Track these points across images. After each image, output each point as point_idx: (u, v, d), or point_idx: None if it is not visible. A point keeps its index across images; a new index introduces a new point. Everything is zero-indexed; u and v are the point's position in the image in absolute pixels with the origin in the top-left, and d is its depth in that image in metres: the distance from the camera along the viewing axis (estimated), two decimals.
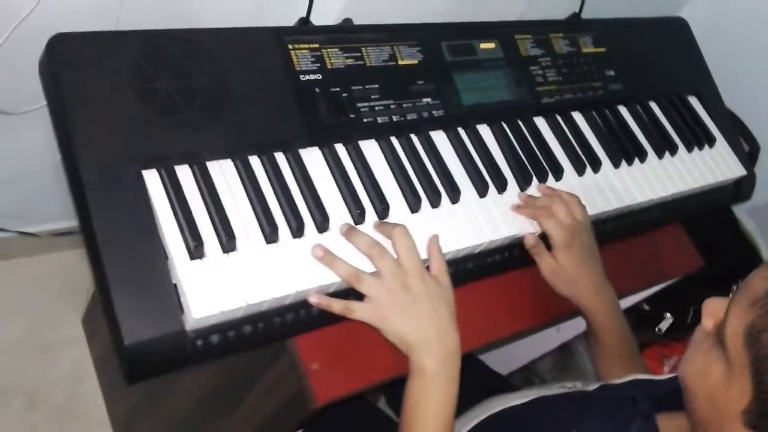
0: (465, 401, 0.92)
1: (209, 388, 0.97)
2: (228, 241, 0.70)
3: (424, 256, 0.81)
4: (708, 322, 0.61)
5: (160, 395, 1.13)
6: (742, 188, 1.23)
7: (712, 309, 0.60)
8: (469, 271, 0.88)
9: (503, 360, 1.45)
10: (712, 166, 1.16)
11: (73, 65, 0.69)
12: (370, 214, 0.81)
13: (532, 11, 1.21)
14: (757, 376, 0.54)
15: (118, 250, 0.66)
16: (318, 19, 0.92)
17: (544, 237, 0.90)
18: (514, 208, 0.92)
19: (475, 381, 1.14)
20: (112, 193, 0.67)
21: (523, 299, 0.93)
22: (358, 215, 0.79)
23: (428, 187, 0.86)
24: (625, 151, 1.07)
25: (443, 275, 0.80)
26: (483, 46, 1.01)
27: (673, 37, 1.28)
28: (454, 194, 0.87)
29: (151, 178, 0.71)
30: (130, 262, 0.67)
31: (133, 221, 0.68)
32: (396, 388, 0.83)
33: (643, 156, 1.08)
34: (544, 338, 1.38)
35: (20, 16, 0.82)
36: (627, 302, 1.18)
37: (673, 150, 1.13)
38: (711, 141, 1.19)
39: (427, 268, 0.80)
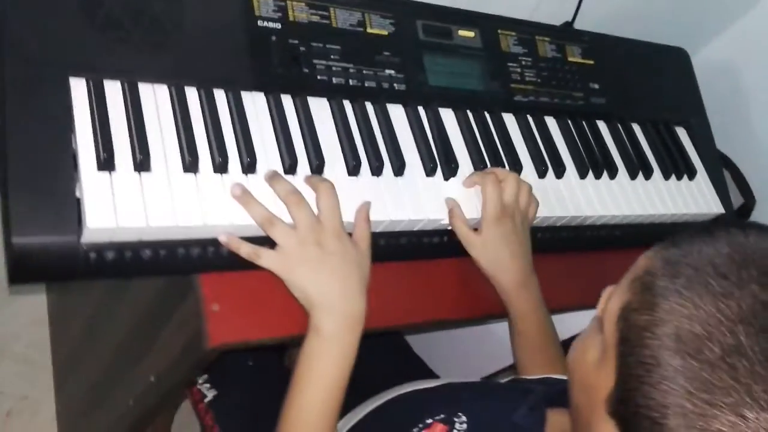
0: (383, 382, 0.89)
1: (128, 330, 0.95)
2: (142, 159, 0.69)
3: (352, 219, 0.79)
4: (599, 308, 0.58)
5: (95, 336, 1.11)
6: None
7: (607, 294, 0.56)
8: (403, 246, 0.86)
9: (456, 373, 1.41)
10: (687, 197, 1.12)
11: None
12: (304, 169, 0.79)
13: (539, 14, 1.19)
14: (620, 357, 0.50)
15: (26, 148, 0.65)
16: None
17: None
18: (473, 175, 0.89)
19: (397, 365, 1.11)
20: (33, 91, 0.67)
21: (453, 289, 0.89)
22: (290, 165, 0.78)
23: (372, 153, 0.84)
24: (594, 163, 1.04)
25: (364, 242, 0.77)
26: (462, 33, 0.99)
27: (671, 66, 1.25)
28: (399, 167, 0.85)
29: (78, 86, 0.70)
30: (36, 163, 0.65)
31: (48, 124, 0.67)
32: None
33: (613, 172, 1.05)
34: (499, 353, 1.33)
35: None
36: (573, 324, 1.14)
37: (648, 173, 1.09)
38: (691, 173, 1.15)
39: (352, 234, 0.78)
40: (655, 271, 0.50)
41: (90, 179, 0.66)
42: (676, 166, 1.14)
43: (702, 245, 0.49)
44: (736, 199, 1.42)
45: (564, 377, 0.78)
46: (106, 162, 0.67)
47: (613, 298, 0.53)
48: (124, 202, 0.67)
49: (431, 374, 1.17)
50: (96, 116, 0.69)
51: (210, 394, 1.03)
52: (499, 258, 0.86)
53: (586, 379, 0.55)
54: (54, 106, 0.68)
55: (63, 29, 0.70)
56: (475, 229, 0.87)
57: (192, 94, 0.76)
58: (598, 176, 1.04)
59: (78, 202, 0.66)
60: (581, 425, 0.56)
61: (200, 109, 0.76)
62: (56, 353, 1.42)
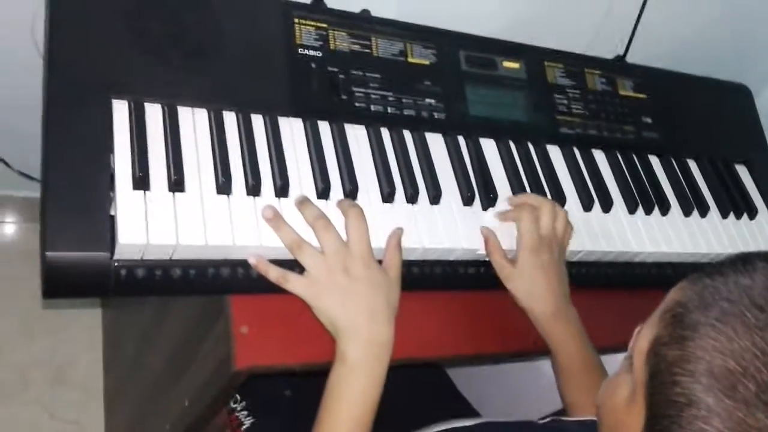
0: (422, 417, 0.87)
1: (167, 353, 0.96)
2: (176, 179, 0.70)
3: (384, 245, 0.78)
4: (630, 344, 0.54)
5: (138, 365, 1.13)
6: None
7: (638, 330, 0.53)
8: (438, 276, 0.84)
9: (509, 413, 1.36)
10: (746, 236, 1.06)
11: None
12: (338, 194, 0.79)
13: (593, 47, 1.17)
14: (650, 395, 0.47)
15: (65, 164, 0.68)
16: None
17: None
18: (508, 198, 0.87)
19: (440, 401, 1.07)
20: (76, 110, 0.69)
21: (490, 321, 0.86)
22: (323, 190, 0.78)
23: (408, 181, 0.83)
24: (645, 198, 1.00)
25: (393, 269, 0.76)
26: (506, 64, 0.99)
27: (731, 102, 1.20)
28: (435, 195, 0.84)
29: (120, 107, 0.72)
30: (74, 180, 0.67)
31: (89, 142, 0.69)
32: None
33: (665, 208, 1.01)
34: (547, 397, 1.28)
35: None
36: None
37: (704, 210, 1.04)
38: (752, 212, 1.09)
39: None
40: (686, 303, 0.48)
41: (124, 197, 0.68)
42: (735, 204, 1.08)
43: (737, 276, 0.47)
44: None
45: None
46: (141, 180, 0.69)
47: (643, 333, 0.50)
48: (157, 220, 0.68)
49: (474, 413, 1.13)
50: (135, 137, 0.71)
51: (247, 422, 1.02)
52: (535, 290, 0.83)
53: (615, 419, 0.52)
54: (95, 125, 0.70)
55: (108, 51, 0.73)
56: (512, 260, 0.85)
57: (230, 118, 0.78)
58: (648, 212, 1.00)
59: (112, 220, 0.68)
60: None
61: (237, 132, 0.77)
62: (108, 378, 1.44)
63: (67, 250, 0.65)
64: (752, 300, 0.45)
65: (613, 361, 0.96)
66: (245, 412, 1.03)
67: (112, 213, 0.68)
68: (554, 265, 0.84)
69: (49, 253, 0.65)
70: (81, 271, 0.66)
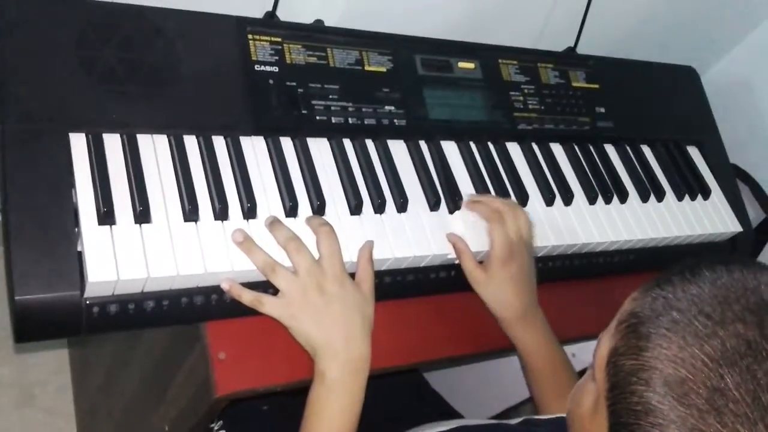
0: (401, 420, 0.88)
1: (142, 380, 0.95)
2: (142, 211, 0.69)
3: (355, 259, 0.78)
4: (593, 354, 0.56)
5: (112, 385, 1.11)
6: (739, 246, 1.16)
7: (600, 339, 0.55)
8: (410, 284, 0.85)
9: (475, 407, 1.39)
10: (702, 217, 1.10)
11: (19, 23, 0.71)
12: (306, 210, 0.79)
13: (543, 40, 1.18)
14: (612, 405, 0.48)
15: (26, 204, 0.66)
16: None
17: None
18: (470, 201, 0.88)
19: (417, 404, 1.09)
20: (32, 147, 0.68)
21: (463, 323, 0.88)
22: (290, 208, 0.77)
23: (374, 191, 0.84)
24: (604, 188, 1.02)
25: (366, 283, 0.76)
26: (461, 65, 0.99)
27: (679, 85, 1.24)
28: (402, 203, 0.85)
29: (77, 141, 0.71)
30: (36, 218, 0.66)
31: (48, 179, 0.68)
32: None
33: (624, 196, 1.03)
34: (517, 386, 1.31)
35: None
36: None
37: (660, 195, 1.07)
38: (706, 193, 1.13)
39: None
40: (639, 313, 0.49)
41: (90, 234, 0.67)
42: (689, 187, 1.12)
43: (686, 285, 0.48)
44: (757, 214, 1.40)
45: None
46: (106, 216, 0.68)
47: (602, 343, 0.51)
48: (125, 254, 0.67)
49: (449, 410, 1.15)
50: (96, 170, 0.70)
51: None
52: (504, 297, 0.85)
53: (582, 427, 0.53)
54: (54, 161, 0.69)
55: (61, 84, 0.71)
56: (481, 262, 0.86)
57: (191, 143, 0.77)
58: (608, 201, 1.02)
59: (79, 256, 0.67)
60: None
61: (200, 156, 0.76)
62: (78, 402, 1.42)
63: (36, 292, 0.64)
64: (700, 309, 0.46)
65: (582, 350, 0.99)
66: (222, 431, 1.02)
67: (79, 249, 0.67)
68: (523, 270, 0.86)
69: (18, 298, 0.63)
70: (52, 313, 0.65)
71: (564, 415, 0.76)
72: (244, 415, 0.99)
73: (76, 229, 0.68)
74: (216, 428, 1.01)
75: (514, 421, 0.76)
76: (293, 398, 1.09)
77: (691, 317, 0.46)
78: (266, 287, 0.74)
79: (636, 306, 0.49)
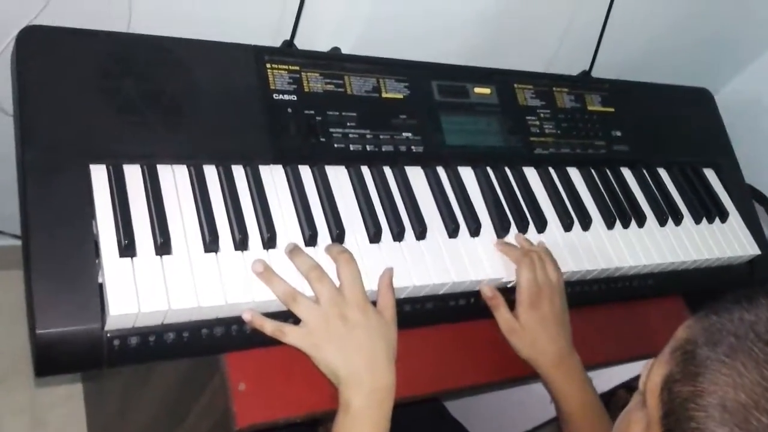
0: None
1: (157, 410, 0.95)
2: (162, 243, 0.69)
3: (376, 287, 0.78)
4: (641, 382, 0.55)
5: (126, 414, 1.11)
6: (757, 269, 1.14)
7: (648, 367, 0.54)
8: (429, 312, 0.84)
9: (499, 429, 1.37)
10: (720, 240, 1.09)
11: (39, 56, 0.71)
12: (325, 238, 0.79)
13: (558, 64, 1.18)
14: (666, 431, 0.48)
15: (47, 236, 0.66)
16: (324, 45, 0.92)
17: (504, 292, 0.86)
18: (501, 243, 0.88)
19: (437, 430, 1.08)
20: (53, 179, 0.68)
21: (483, 352, 0.87)
22: (310, 237, 0.77)
23: (393, 218, 0.83)
24: (622, 212, 1.02)
25: (388, 310, 0.76)
26: (477, 90, 0.99)
27: (694, 107, 1.23)
28: (421, 230, 0.84)
29: (98, 172, 0.71)
30: (57, 251, 0.66)
31: (70, 211, 0.68)
32: None
33: (641, 220, 1.03)
34: (535, 410, 1.29)
35: (29, 17, 0.85)
36: (614, 376, 1.10)
37: (678, 219, 1.07)
38: (723, 215, 1.12)
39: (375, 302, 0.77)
40: (695, 340, 0.49)
41: (112, 266, 0.67)
42: (707, 209, 1.11)
43: (742, 312, 0.48)
44: None
45: None
46: (127, 248, 0.67)
47: (654, 371, 0.51)
48: (146, 286, 0.67)
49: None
50: (116, 202, 0.70)
51: None
52: (537, 343, 0.85)
53: None
54: (75, 193, 0.69)
55: (82, 116, 0.71)
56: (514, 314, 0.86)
57: (211, 172, 0.77)
58: (626, 225, 1.01)
59: (100, 288, 0.67)
60: None
61: (219, 186, 0.76)
62: (91, 430, 1.41)
63: (57, 326, 0.64)
64: (758, 335, 0.46)
65: (598, 376, 0.98)
66: None
67: (100, 281, 0.67)
68: (555, 314, 0.86)
69: (39, 331, 0.63)
70: (73, 346, 0.65)
71: None
72: None
73: (97, 261, 0.67)
74: None
75: None
76: (315, 428, 1.08)
77: (749, 343, 0.46)
78: (287, 317, 0.74)
79: (691, 333, 0.50)
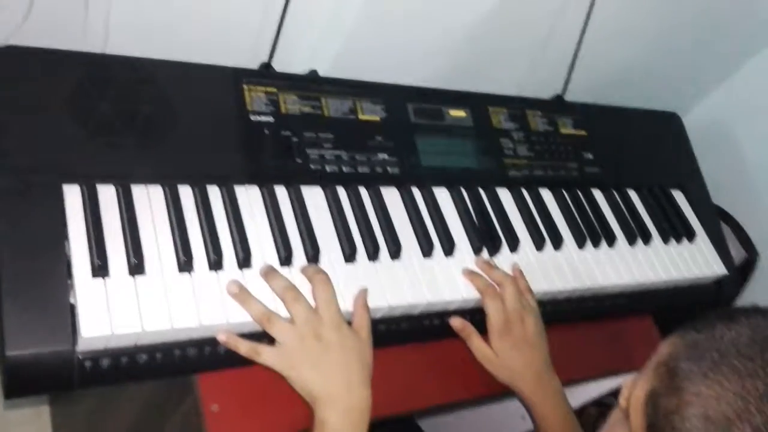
0: None
1: (131, 428, 0.93)
2: (135, 263, 0.69)
3: (350, 307, 0.78)
4: (623, 399, 0.57)
5: None
6: (724, 289, 1.17)
7: (629, 384, 0.56)
8: (404, 331, 0.85)
9: None
10: (688, 260, 1.11)
11: (13, 77, 0.71)
12: (300, 259, 0.79)
13: (530, 87, 1.20)
14: None
15: (19, 257, 0.65)
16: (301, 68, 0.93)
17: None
18: (467, 272, 0.88)
19: None
20: (25, 199, 0.67)
21: (457, 370, 0.88)
22: (285, 257, 0.77)
23: (368, 238, 0.84)
24: (592, 232, 1.04)
25: (364, 330, 0.76)
26: (453, 113, 1.01)
27: (663, 130, 1.26)
28: (396, 250, 0.85)
29: (71, 193, 0.71)
30: (29, 271, 0.65)
31: (42, 232, 0.67)
32: None
33: (612, 240, 1.04)
34: (507, 426, 1.30)
35: (2, 36, 0.84)
36: (583, 392, 1.12)
37: (647, 239, 1.09)
38: (691, 235, 1.14)
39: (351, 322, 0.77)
40: (679, 355, 0.51)
41: (84, 287, 0.66)
42: (675, 230, 1.13)
43: (724, 329, 0.50)
44: (739, 253, 1.42)
45: None
46: (100, 268, 0.67)
47: (637, 386, 0.53)
48: (119, 308, 0.67)
49: None
50: (90, 222, 0.69)
51: None
52: (514, 368, 0.86)
53: None
54: (47, 213, 0.68)
55: (55, 136, 0.71)
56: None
57: (186, 192, 0.77)
58: (596, 245, 1.03)
59: (72, 309, 0.66)
60: None
61: (194, 206, 0.76)
62: None
63: (28, 348, 0.63)
64: (739, 350, 0.48)
65: (570, 393, 0.99)
66: None
67: (72, 302, 0.66)
68: (528, 337, 0.87)
69: (9, 353, 0.62)
70: (44, 368, 0.64)
71: None
72: None
73: (69, 282, 0.67)
74: None
75: None
76: None
77: (731, 358, 0.48)
78: (261, 337, 0.74)
79: (674, 349, 0.51)
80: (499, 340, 0.86)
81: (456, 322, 0.86)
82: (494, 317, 0.86)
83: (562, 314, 0.99)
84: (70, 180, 0.71)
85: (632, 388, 0.54)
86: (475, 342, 0.86)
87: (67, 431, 1.29)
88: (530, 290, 0.90)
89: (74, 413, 1.22)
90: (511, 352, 0.86)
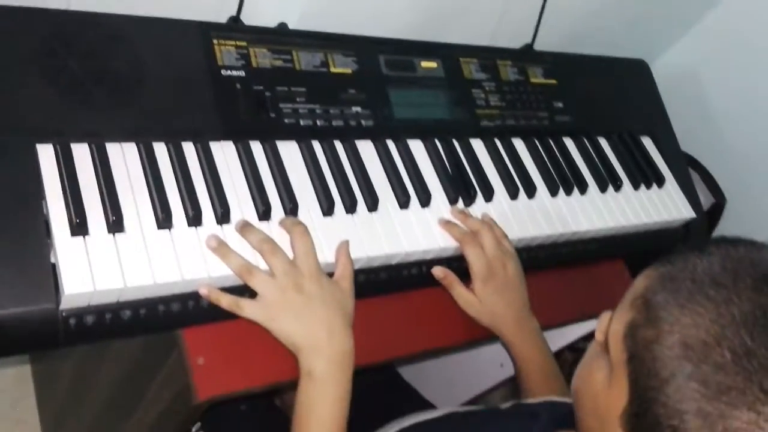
0: (379, 416, 0.89)
1: (114, 387, 0.95)
2: (115, 221, 0.69)
3: (330, 259, 0.79)
4: (599, 333, 0.59)
5: (80, 394, 1.10)
6: (692, 232, 1.20)
7: (605, 319, 0.58)
8: (383, 281, 0.86)
9: (445, 395, 1.41)
10: (658, 205, 1.14)
11: None
12: (279, 213, 0.80)
13: (501, 37, 1.20)
14: (632, 374, 0.51)
15: None
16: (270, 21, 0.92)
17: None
18: (443, 222, 0.90)
19: (392, 397, 1.11)
20: None
21: (439, 317, 0.90)
22: (263, 212, 0.78)
23: (345, 192, 0.85)
24: (564, 180, 1.05)
25: (345, 280, 0.78)
26: (424, 64, 1.01)
27: (631, 78, 1.28)
28: (373, 202, 0.86)
29: (45, 152, 0.70)
30: (8, 232, 0.65)
31: (18, 192, 0.67)
32: None
33: (583, 187, 1.07)
34: (486, 373, 1.34)
35: None
36: (559, 337, 1.15)
37: (618, 185, 1.11)
38: (660, 181, 1.17)
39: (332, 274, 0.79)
40: (655, 288, 0.52)
41: (64, 245, 0.66)
42: (645, 175, 1.16)
43: (696, 260, 0.52)
44: (707, 199, 1.45)
45: (563, 399, 0.79)
46: (78, 227, 0.67)
47: (615, 319, 0.55)
48: (100, 264, 0.67)
49: (425, 402, 1.17)
50: (66, 181, 0.69)
51: None
52: (496, 310, 0.88)
53: (595, 402, 0.56)
54: (22, 173, 0.68)
55: (25, 96, 0.70)
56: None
57: (161, 150, 0.77)
58: (568, 192, 1.05)
59: (54, 268, 0.66)
60: None
61: (170, 163, 0.76)
62: (43, 412, 1.39)
63: (11, 306, 0.63)
64: (713, 279, 0.50)
65: (547, 337, 1.02)
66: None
67: (53, 261, 0.67)
68: (509, 280, 0.89)
69: None
70: (28, 327, 0.64)
71: (551, 397, 0.79)
72: (223, 416, 0.99)
73: (49, 241, 0.67)
74: (194, 430, 1.01)
75: (504, 406, 0.79)
76: (272, 397, 1.10)
77: (705, 287, 0.49)
78: (243, 291, 0.75)
79: (650, 282, 0.53)
80: (483, 286, 0.88)
81: (438, 271, 0.88)
82: (476, 264, 0.87)
83: (537, 261, 1.01)
84: (43, 139, 0.70)
85: (609, 322, 0.56)
86: (458, 289, 0.88)
87: (52, 393, 1.30)
88: (506, 236, 0.92)
89: (58, 375, 1.22)
90: (494, 297, 0.88)
